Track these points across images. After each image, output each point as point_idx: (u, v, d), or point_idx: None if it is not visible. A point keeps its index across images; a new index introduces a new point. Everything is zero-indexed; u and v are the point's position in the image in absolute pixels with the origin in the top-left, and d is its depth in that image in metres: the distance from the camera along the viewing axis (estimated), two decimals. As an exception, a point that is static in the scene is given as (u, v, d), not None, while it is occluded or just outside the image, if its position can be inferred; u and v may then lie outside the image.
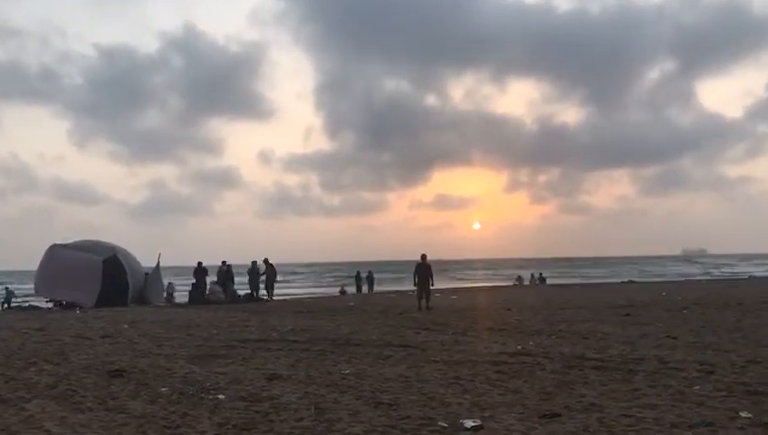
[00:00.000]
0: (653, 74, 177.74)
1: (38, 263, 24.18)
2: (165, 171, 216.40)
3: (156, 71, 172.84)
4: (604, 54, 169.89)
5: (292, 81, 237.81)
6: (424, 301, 18.67)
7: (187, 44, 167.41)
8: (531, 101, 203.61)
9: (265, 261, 27.18)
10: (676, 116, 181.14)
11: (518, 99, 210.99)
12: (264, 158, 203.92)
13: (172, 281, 28.87)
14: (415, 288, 19.32)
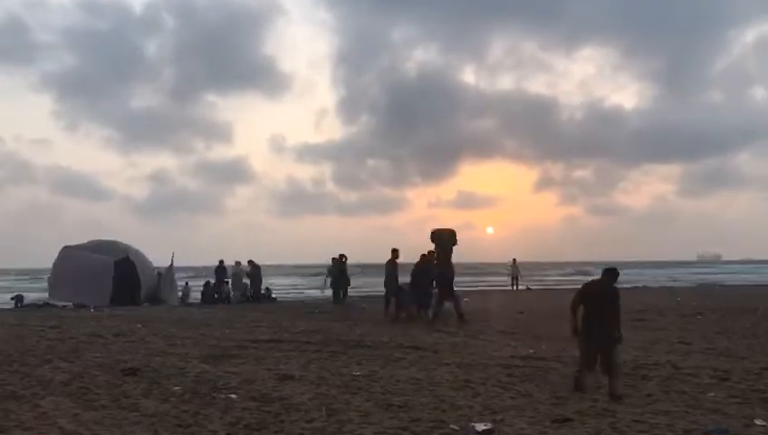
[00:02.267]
0: (738, 44, 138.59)
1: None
2: (167, 161, 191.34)
3: (147, 33, 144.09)
4: (685, 15, 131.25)
5: (306, 48, 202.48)
6: None
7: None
8: (585, 78, 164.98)
9: (250, 262, 27.52)
10: (756, 97, 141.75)
11: (570, 74, 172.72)
12: (276, 145, 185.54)
13: (189, 282, 28.81)
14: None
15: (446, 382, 7.45)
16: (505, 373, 8.00)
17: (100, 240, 25.97)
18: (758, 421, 5.56)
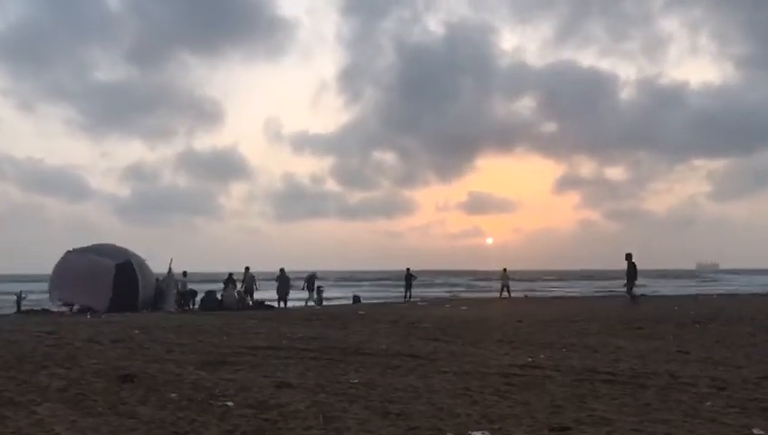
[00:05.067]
0: None
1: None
2: (145, 153, 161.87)
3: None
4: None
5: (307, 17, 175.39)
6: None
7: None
8: (650, 43, 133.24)
9: (246, 269, 28.09)
10: None
11: (632, 39, 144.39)
12: (271, 132, 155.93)
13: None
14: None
15: (443, 390, 7.43)
16: (503, 382, 7.99)
17: (101, 244, 26.02)
18: (756, 431, 5.55)
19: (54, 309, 24.53)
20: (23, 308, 27.21)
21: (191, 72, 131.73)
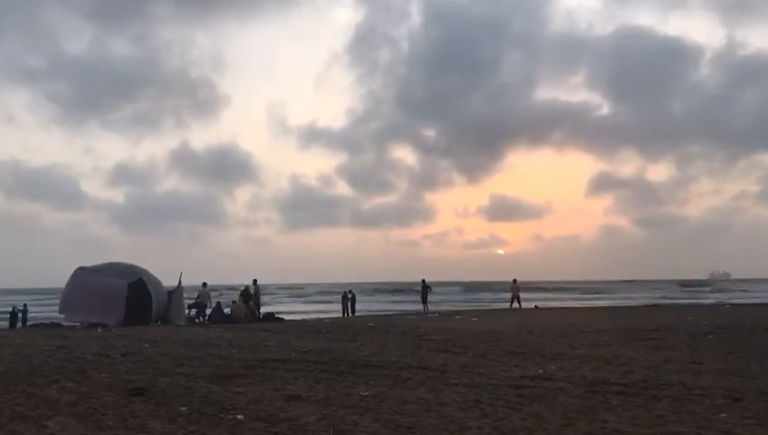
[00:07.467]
0: None
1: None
2: (139, 147, 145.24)
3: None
4: None
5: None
6: None
7: None
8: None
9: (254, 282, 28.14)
10: None
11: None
12: (275, 122, 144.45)
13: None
14: None
15: (454, 403, 7.39)
16: (515, 394, 7.93)
17: (114, 262, 26.17)
18: (772, 443, 5.48)
19: (65, 323, 24.65)
20: (29, 323, 27.34)
21: (184, 46, 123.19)
